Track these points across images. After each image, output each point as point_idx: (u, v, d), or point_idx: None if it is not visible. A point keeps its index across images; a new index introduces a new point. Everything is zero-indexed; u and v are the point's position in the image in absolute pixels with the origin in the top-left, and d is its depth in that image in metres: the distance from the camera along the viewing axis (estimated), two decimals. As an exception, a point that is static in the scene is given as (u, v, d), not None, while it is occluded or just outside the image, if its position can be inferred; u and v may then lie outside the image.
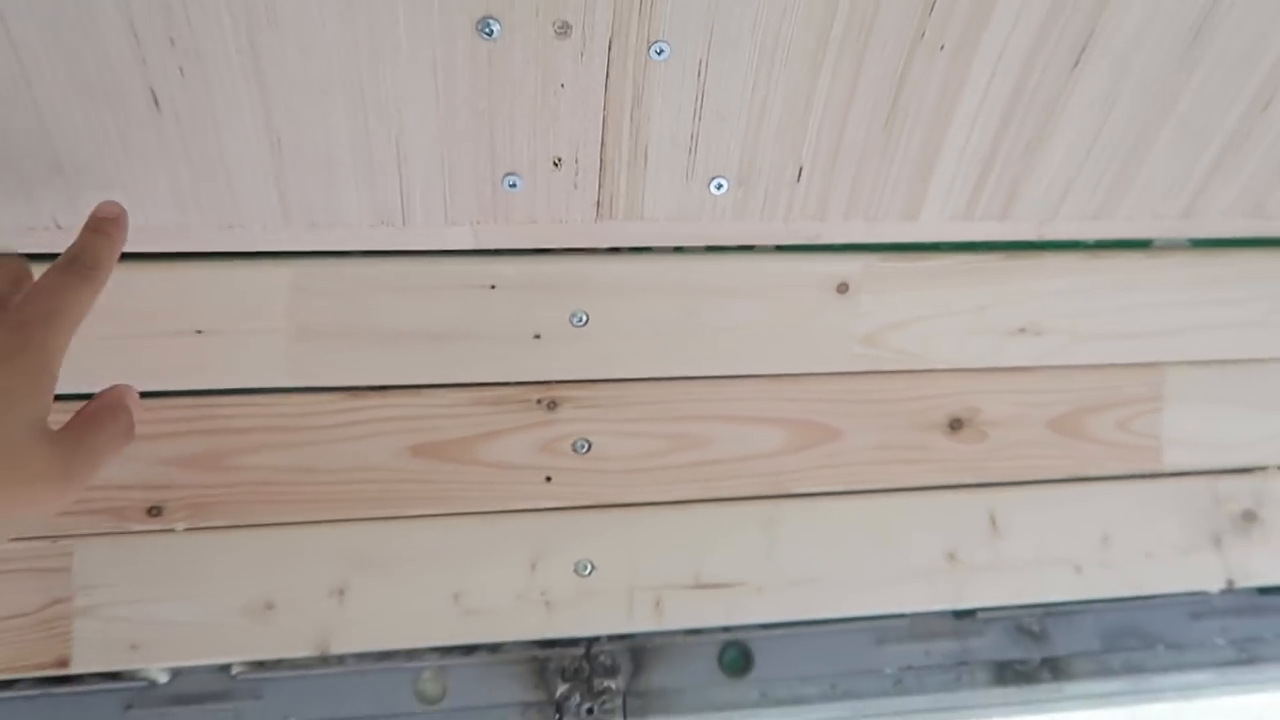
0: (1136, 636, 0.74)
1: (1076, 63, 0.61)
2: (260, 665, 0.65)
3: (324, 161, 0.57)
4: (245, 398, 0.63)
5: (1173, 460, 0.75)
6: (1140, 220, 0.72)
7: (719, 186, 0.63)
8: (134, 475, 0.62)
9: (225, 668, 0.64)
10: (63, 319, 0.45)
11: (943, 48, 0.59)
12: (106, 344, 0.61)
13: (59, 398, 0.60)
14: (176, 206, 0.58)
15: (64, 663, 0.61)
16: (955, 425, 0.72)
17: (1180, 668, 0.74)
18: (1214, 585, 0.74)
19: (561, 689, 0.67)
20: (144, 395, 0.62)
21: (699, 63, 0.57)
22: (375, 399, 0.65)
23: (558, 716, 0.67)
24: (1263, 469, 0.76)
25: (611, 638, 0.68)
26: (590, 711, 0.67)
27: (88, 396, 0.61)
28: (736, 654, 0.69)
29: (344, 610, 0.64)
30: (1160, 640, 0.74)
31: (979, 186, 0.67)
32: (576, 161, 0.60)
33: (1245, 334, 0.75)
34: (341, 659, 0.65)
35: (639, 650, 0.68)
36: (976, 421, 0.72)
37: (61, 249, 0.58)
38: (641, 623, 0.67)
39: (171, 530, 0.63)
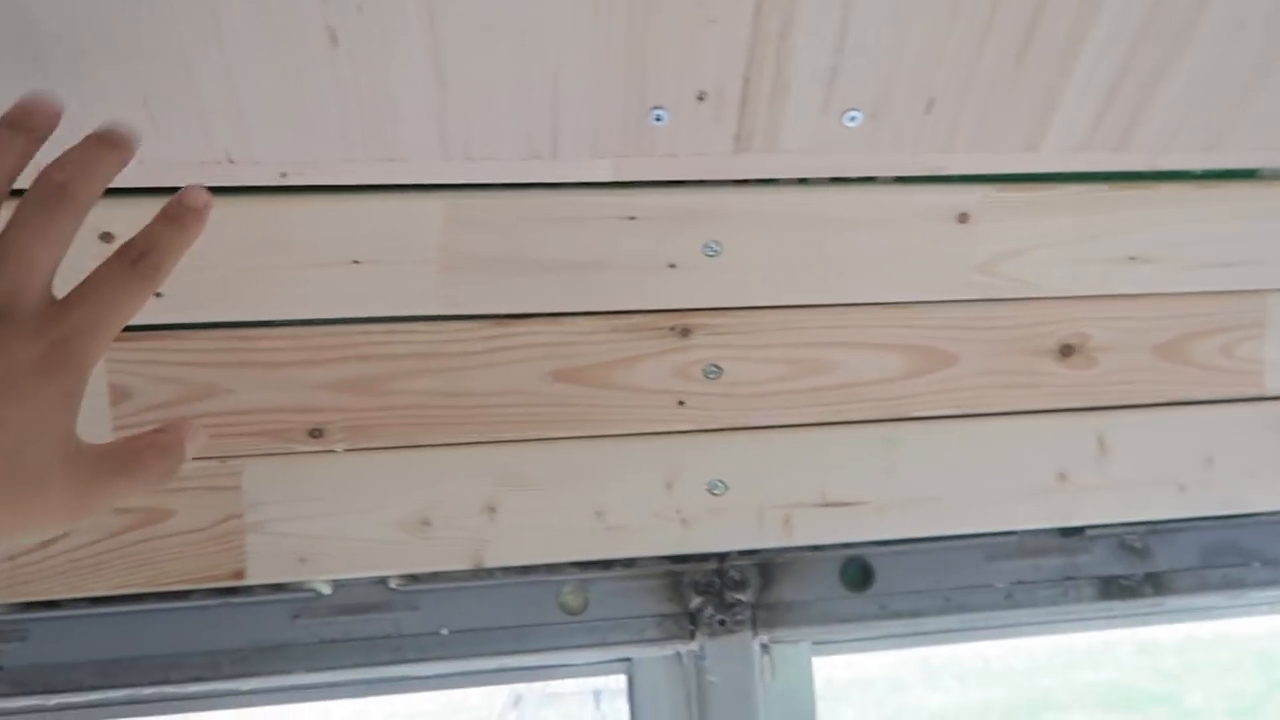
0: (1234, 553, 0.78)
1: (1208, -8, 0.63)
2: (415, 578, 0.69)
3: (484, 98, 0.60)
4: (398, 325, 0.67)
5: (1274, 384, 0.78)
6: (1250, 152, 0.74)
7: (852, 119, 0.66)
8: (295, 399, 0.66)
9: (384, 580, 0.69)
10: (109, 329, 0.41)
11: (1082, -24, 0.61)
12: (267, 273, 0.64)
13: (188, 327, 0.64)
14: (342, 141, 0.61)
15: (240, 574, 0.65)
16: (1065, 351, 0.75)
17: (1275, 583, 0.78)
18: (1311, 503, 0.78)
19: (695, 602, 0.71)
20: (303, 323, 0.66)
21: (845, -5, 0.59)
22: (520, 326, 0.68)
23: (692, 628, 0.71)
24: (1359, 392, 0.79)
25: (741, 553, 0.72)
26: (723, 623, 0.71)
27: (243, 325, 0.65)
28: (858, 569, 0.73)
29: (495, 526, 0.68)
30: (1256, 557, 0.78)
31: (1100, 118, 0.69)
32: (720, 95, 0.63)
33: (1347, 262, 0.78)
34: (490, 573, 0.70)
35: (767, 565, 0.72)
36: (1086, 348, 0.75)
37: (233, 182, 0.61)
38: (771, 539, 0.71)
39: (332, 451, 0.66)
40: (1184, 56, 0.66)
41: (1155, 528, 0.77)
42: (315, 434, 0.66)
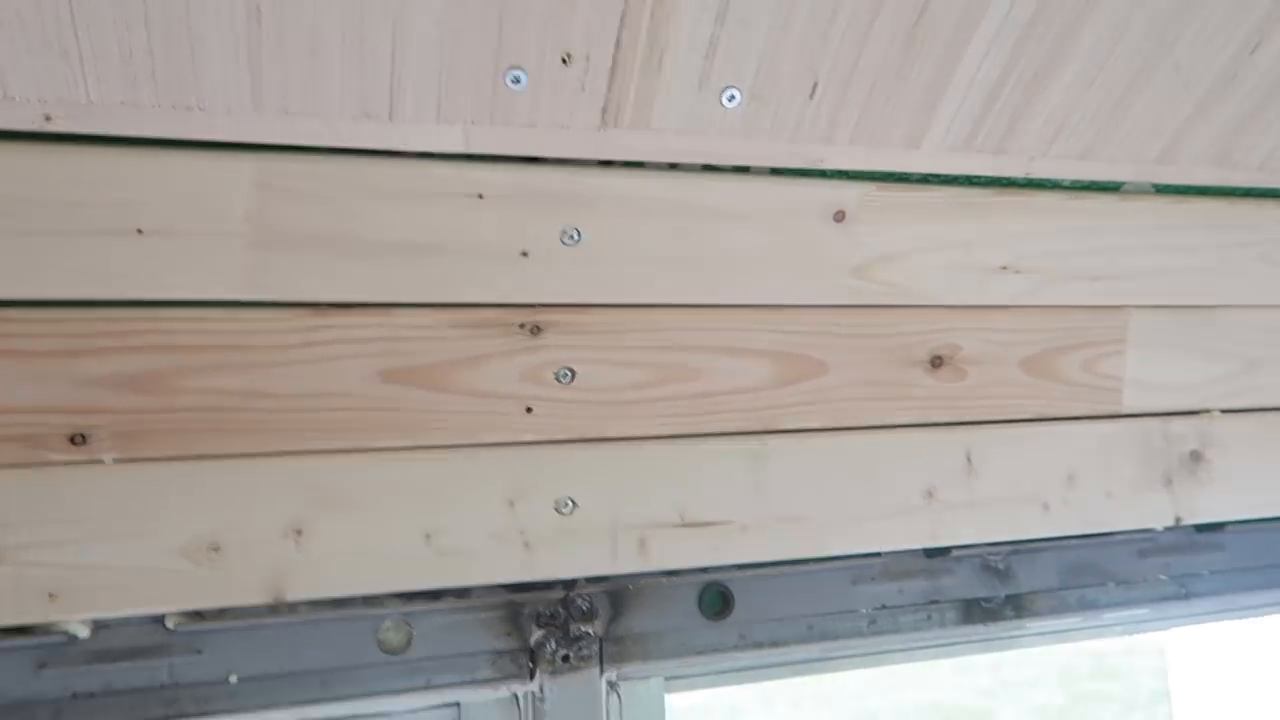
0: (1091, 573, 0.79)
1: (1098, -9, 0.63)
2: (198, 616, 0.60)
3: (308, 37, 0.52)
4: (193, 311, 0.58)
5: (1131, 402, 0.80)
6: (1121, 163, 0.76)
7: (731, 98, 0.62)
8: (53, 397, 0.56)
9: (158, 619, 0.59)
10: None
11: (977, -37, 0.60)
12: (23, 240, 0.54)
13: None
14: (125, 79, 0.51)
15: (-32, 616, 0.55)
16: (936, 362, 0.74)
17: (1128, 603, 0.80)
18: (1164, 522, 0.81)
19: (536, 636, 0.65)
20: (68, 304, 0.56)
21: (733, -42, 0.56)
22: (343, 317, 0.60)
23: (531, 665, 0.65)
24: (1208, 412, 0.83)
25: (589, 580, 0.67)
26: (566, 659, 0.66)
27: None
28: (716, 596, 0.70)
29: (302, 552, 0.60)
30: (1111, 577, 0.80)
31: (982, 117, 0.68)
32: (588, 59, 0.58)
33: (1201, 280, 0.81)
34: (294, 607, 0.61)
35: (618, 594, 0.68)
36: (956, 359, 0.75)
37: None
38: (626, 564, 0.66)
39: (99, 462, 0.57)
40: (1068, 59, 0.66)
41: (1017, 548, 0.77)
42: (77, 440, 0.56)
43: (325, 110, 0.56)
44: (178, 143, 0.55)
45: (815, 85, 0.63)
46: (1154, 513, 0.80)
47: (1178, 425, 0.81)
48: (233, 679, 0.60)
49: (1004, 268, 0.75)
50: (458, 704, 0.65)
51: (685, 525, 0.68)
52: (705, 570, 0.70)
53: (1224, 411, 0.83)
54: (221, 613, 0.60)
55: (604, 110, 0.60)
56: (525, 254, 0.63)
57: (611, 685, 0.68)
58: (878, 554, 0.74)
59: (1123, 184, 0.79)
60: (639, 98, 0.60)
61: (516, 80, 0.57)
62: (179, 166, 0.55)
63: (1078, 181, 0.77)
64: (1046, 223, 0.76)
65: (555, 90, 0.58)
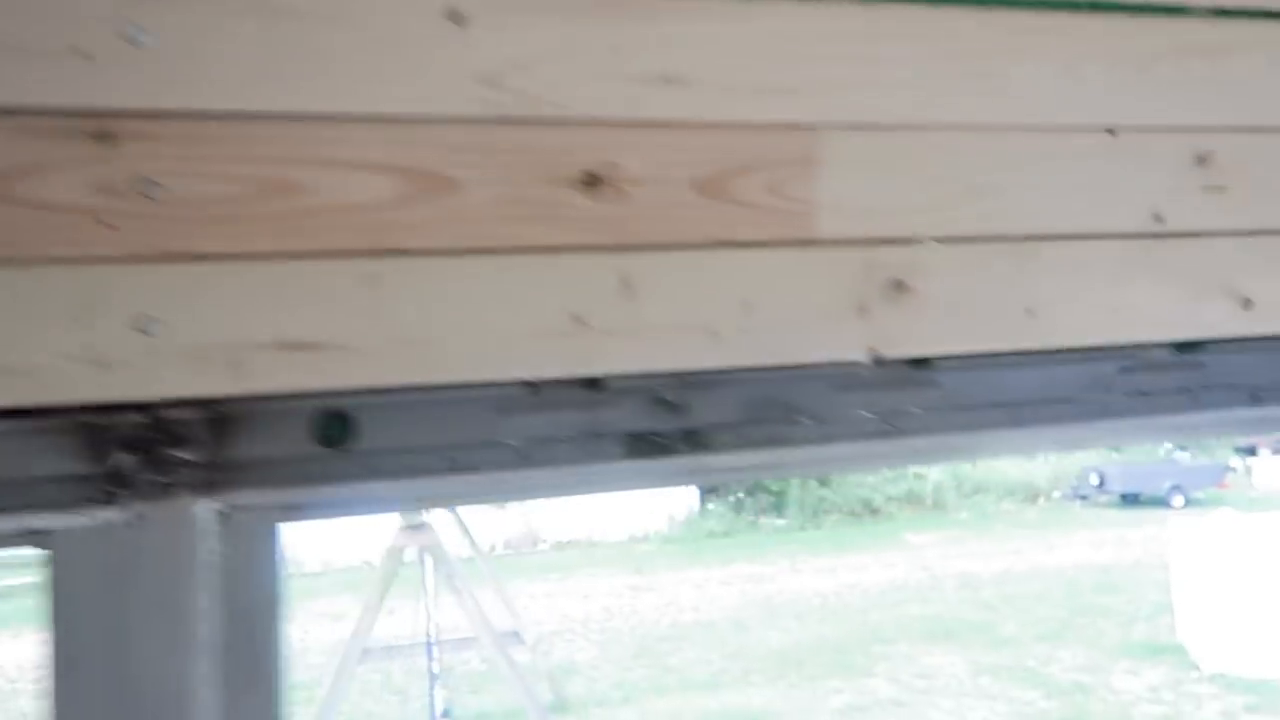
0: (780, 408, 0.76)
1: None
2: None
3: None
4: None
5: (825, 228, 0.75)
6: (792, -40, 0.71)
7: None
8: None
9: None
10: None
11: None
12: None
13: None
14: None
15: None
16: (591, 181, 0.70)
17: (825, 439, 0.76)
18: (857, 355, 0.76)
19: (124, 461, 0.63)
20: None
21: None
22: None
23: (112, 490, 0.63)
24: (920, 240, 0.78)
25: (187, 403, 0.64)
26: (164, 487, 0.64)
27: None
28: (334, 423, 0.67)
29: None
30: (804, 412, 0.76)
31: (598, -99, 0.64)
32: None
33: (900, 95, 0.76)
34: None
35: (220, 419, 0.65)
36: (615, 179, 0.71)
37: None
38: (216, 386, 0.64)
39: None
40: None
41: (691, 380, 0.74)
42: None
43: None
44: None
45: None
46: (843, 344, 0.76)
47: (881, 253, 0.77)
48: None
49: (666, 80, 0.71)
50: (49, 532, 0.63)
51: (285, 347, 0.65)
52: (323, 395, 0.67)
53: (939, 240, 0.78)
54: None
55: (133, -113, 0.56)
56: (83, 54, 0.60)
57: (223, 515, 0.66)
58: (530, 384, 0.71)
59: (813, -8, 0.74)
60: (170, -128, 0.56)
61: None
62: None
63: (761, -12, 0.72)
64: (716, 29, 0.71)
65: None
